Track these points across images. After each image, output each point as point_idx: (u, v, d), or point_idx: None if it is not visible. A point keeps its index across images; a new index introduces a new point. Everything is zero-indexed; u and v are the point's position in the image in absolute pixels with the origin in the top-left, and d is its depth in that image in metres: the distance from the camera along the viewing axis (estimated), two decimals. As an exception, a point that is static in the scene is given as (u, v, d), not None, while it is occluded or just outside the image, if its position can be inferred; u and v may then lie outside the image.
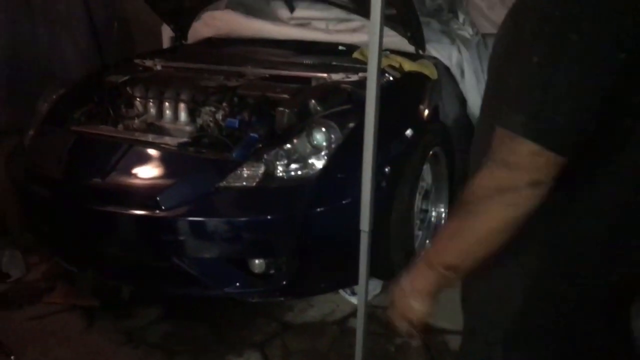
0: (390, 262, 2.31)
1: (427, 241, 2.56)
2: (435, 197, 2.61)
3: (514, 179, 0.82)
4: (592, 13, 0.76)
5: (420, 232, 2.53)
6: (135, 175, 2.15)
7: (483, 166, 0.86)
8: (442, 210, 2.61)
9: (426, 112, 2.54)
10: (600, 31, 0.76)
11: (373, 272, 2.21)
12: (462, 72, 2.73)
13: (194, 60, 2.89)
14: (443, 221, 2.60)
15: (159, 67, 2.92)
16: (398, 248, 2.31)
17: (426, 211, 2.57)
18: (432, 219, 2.60)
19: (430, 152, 2.47)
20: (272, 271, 2.10)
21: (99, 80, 2.82)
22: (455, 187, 2.65)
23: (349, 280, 2.21)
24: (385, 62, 2.52)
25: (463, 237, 0.90)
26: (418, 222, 2.49)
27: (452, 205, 2.65)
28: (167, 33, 3.47)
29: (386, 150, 2.21)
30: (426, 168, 2.48)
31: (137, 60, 2.98)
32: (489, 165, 0.85)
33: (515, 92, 0.82)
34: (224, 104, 2.41)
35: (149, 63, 2.94)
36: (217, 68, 2.75)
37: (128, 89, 2.63)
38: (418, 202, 2.43)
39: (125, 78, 2.80)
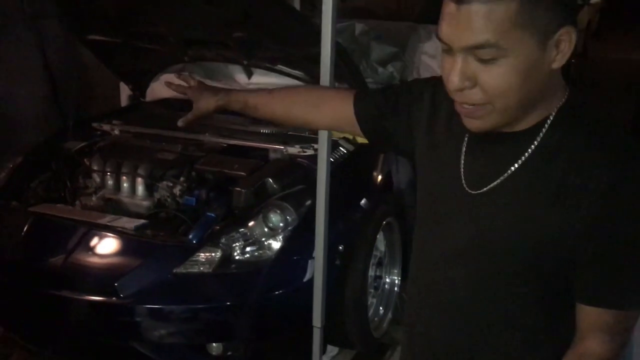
0: (345, 330, 2.39)
1: (381, 308, 2.65)
2: (389, 264, 2.70)
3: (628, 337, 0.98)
4: None
5: (374, 300, 2.62)
6: (92, 260, 2.17)
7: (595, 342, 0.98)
8: (396, 277, 2.70)
9: (380, 182, 2.64)
10: None
11: (329, 340, 2.30)
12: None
13: (152, 125, 2.92)
14: (396, 288, 2.69)
15: (116, 132, 2.94)
16: (352, 317, 2.39)
17: (380, 278, 2.66)
18: (386, 285, 2.69)
19: (384, 222, 2.57)
20: (229, 353, 2.15)
21: (56, 147, 2.84)
22: (408, 253, 2.74)
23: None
24: (338, 134, 2.61)
25: None
26: (372, 290, 2.57)
27: (406, 271, 2.75)
28: (125, 90, 3.49)
29: (340, 226, 2.30)
30: (380, 237, 2.57)
31: (94, 124, 2.99)
32: (608, 342, 0.97)
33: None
34: (182, 179, 2.47)
35: (106, 127, 2.96)
36: (176, 135, 2.79)
37: (85, 160, 2.65)
38: (371, 271, 2.52)
39: (83, 145, 2.83)
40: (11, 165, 2.73)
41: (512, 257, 0.98)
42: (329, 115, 1.33)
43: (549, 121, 0.95)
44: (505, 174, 0.97)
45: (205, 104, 1.42)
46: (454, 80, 0.91)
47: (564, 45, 0.89)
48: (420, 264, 1.15)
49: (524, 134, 0.96)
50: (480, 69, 0.89)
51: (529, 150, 0.96)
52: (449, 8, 0.88)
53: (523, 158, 0.96)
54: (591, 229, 0.90)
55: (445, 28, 0.90)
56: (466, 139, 1.05)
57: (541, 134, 0.95)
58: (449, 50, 0.91)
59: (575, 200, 0.90)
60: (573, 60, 8.24)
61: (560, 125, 0.95)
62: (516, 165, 0.96)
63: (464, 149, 1.05)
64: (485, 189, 1.00)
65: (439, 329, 1.11)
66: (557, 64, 0.91)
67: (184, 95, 1.46)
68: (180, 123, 1.49)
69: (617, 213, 0.89)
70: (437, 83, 1.12)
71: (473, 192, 1.01)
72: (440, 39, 0.91)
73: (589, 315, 0.96)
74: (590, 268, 0.93)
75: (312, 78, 2.70)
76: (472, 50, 0.88)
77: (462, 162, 1.04)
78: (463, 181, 1.03)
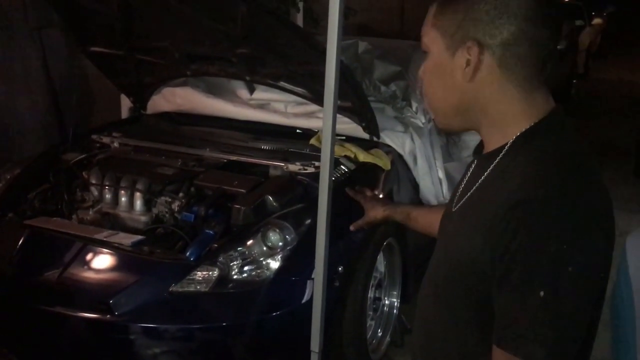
0: (343, 353, 2.35)
1: (379, 330, 2.61)
2: (388, 286, 2.67)
3: None
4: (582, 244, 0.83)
5: (372, 322, 2.58)
6: (87, 276, 2.14)
7: None
8: (395, 299, 2.67)
9: (380, 202, 2.61)
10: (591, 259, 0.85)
11: (326, 363, 2.26)
12: (415, 159, 2.82)
13: (152, 139, 2.90)
14: (395, 310, 2.66)
15: (116, 145, 2.92)
16: (351, 339, 2.35)
17: (379, 299, 2.63)
18: (385, 307, 2.65)
19: (385, 243, 2.54)
20: (224, 374, 2.11)
21: (55, 159, 2.81)
22: (408, 275, 2.71)
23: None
24: (340, 152, 2.59)
25: None
26: (371, 312, 2.54)
27: (405, 293, 2.72)
28: (126, 101, 3.47)
29: (340, 247, 2.26)
30: (380, 258, 2.54)
31: (94, 136, 2.97)
32: None
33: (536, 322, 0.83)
34: (181, 194, 2.44)
35: (106, 140, 2.94)
36: (175, 149, 2.77)
37: (84, 173, 2.63)
38: (371, 293, 2.48)
39: (81, 157, 2.81)
40: (9, 177, 2.70)
41: (450, 280, 0.97)
42: None
43: (507, 146, 0.94)
44: (466, 196, 1.00)
45: (374, 212, 1.64)
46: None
47: (471, 59, 0.92)
48: (420, 289, 1.15)
49: (490, 156, 0.97)
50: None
51: (487, 171, 0.96)
52: None
53: (482, 178, 0.97)
54: (497, 252, 0.85)
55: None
56: (473, 164, 1.07)
57: (498, 158, 0.95)
58: None
59: (490, 221, 0.87)
60: (574, 81, 8.29)
61: (512, 151, 0.94)
62: (474, 188, 0.98)
63: (468, 173, 1.07)
64: (456, 207, 1.02)
65: (421, 354, 1.12)
66: (466, 78, 0.93)
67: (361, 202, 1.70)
68: (352, 227, 1.76)
69: (517, 236, 0.83)
70: None
71: (453, 209, 1.04)
72: None
73: (494, 356, 0.87)
74: (497, 299, 0.87)
75: (315, 95, 2.69)
76: None
77: (462, 184, 1.06)
78: (454, 201, 1.05)
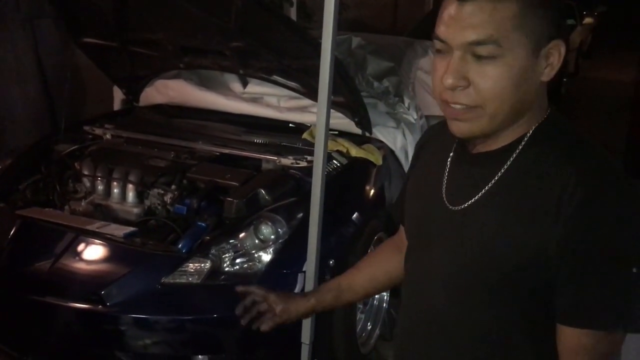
0: (333, 346, 2.37)
1: (369, 324, 2.64)
2: (378, 280, 2.68)
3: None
4: None
5: (362, 316, 2.60)
6: (79, 267, 2.14)
7: None
8: (385, 293, 2.69)
9: (372, 197, 2.64)
10: None
11: (316, 355, 2.28)
12: (407, 155, 2.84)
13: (144, 130, 2.90)
14: (385, 304, 2.68)
15: (108, 136, 2.92)
16: (341, 333, 2.37)
17: (369, 293, 2.65)
18: (375, 301, 2.68)
19: (375, 237, 2.56)
20: (215, 366, 2.13)
21: (46, 150, 2.81)
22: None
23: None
24: (332, 147, 2.61)
25: None
26: (360, 306, 2.56)
27: (394, 287, 2.74)
28: (119, 93, 3.46)
29: (331, 241, 2.28)
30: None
31: (86, 127, 2.97)
32: None
33: (617, 298, 0.90)
34: (173, 187, 2.45)
35: (98, 131, 2.94)
36: (168, 142, 2.77)
37: (76, 164, 2.62)
38: (361, 287, 2.50)
39: (74, 148, 2.81)
40: (0, 167, 2.70)
41: (487, 277, 0.97)
42: None
43: (526, 138, 0.95)
44: (482, 191, 0.98)
45: (296, 307, 1.30)
46: (448, 78, 0.92)
47: (553, 58, 0.92)
48: (409, 291, 1.14)
49: (501, 152, 0.97)
50: (476, 68, 0.91)
51: (505, 166, 0.96)
52: (452, 6, 0.91)
53: (499, 174, 0.96)
54: (566, 246, 0.89)
55: (445, 26, 0.92)
56: (449, 162, 1.06)
57: (517, 151, 0.95)
58: (445, 50, 0.93)
59: (549, 218, 0.89)
60: (565, 79, 8.36)
61: (536, 143, 0.95)
62: (492, 182, 0.97)
63: (446, 172, 1.06)
64: (464, 205, 1.00)
65: (427, 355, 1.09)
66: (545, 77, 0.93)
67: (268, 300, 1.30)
68: (263, 327, 1.29)
69: (590, 230, 0.88)
70: (429, 129, 1.23)
71: (453, 208, 1.01)
72: (437, 38, 0.93)
73: (567, 338, 0.93)
74: (566, 287, 0.91)
75: (307, 89, 2.71)
76: (473, 46, 0.90)
77: (444, 183, 1.05)
78: (445, 199, 1.03)
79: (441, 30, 0.92)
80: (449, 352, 1.05)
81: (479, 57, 0.90)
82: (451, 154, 1.06)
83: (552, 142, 0.95)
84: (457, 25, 0.90)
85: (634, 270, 0.88)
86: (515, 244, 0.93)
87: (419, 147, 1.21)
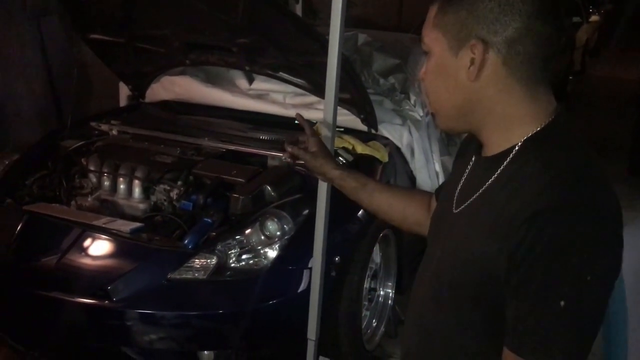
0: (338, 342, 2.37)
1: (374, 321, 2.64)
2: (383, 277, 2.69)
3: None
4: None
5: (367, 312, 2.61)
6: (85, 262, 2.15)
7: None
8: (390, 290, 2.69)
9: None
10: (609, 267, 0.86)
11: (321, 351, 2.29)
12: (413, 152, 2.84)
13: (150, 127, 2.90)
14: (390, 301, 2.68)
15: (114, 132, 2.92)
16: (346, 329, 2.37)
17: (374, 290, 2.65)
18: (380, 298, 2.68)
19: (381, 234, 2.56)
20: (221, 361, 2.13)
21: (53, 145, 2.82)
22: (403, 266, 2.73)
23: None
24: (338, 144, 2.60)
25: None
26: (366, 302, 2.56)
27: (400, 284, 2.74)
28: (124, 89, 3.47)
29: (337, 237, 2.28)
30: (376, 249, 2.56)
31: (92, 123, 2.97)
32: None
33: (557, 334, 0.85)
34: (179, 183, 2.45)
35: (104, 127, 2.94)
36: (174, 138, 2.78)
37: (83, 160, 2.63)
38: (366, 283, 2.50)
39: (80, 144, 2.81)
40: (7, 162, 2.71)
41: (458, 283, 0.96)
42: None
43: (517, 147, 0.93)
44: (471, 198, 0.97)
45: (322, 163, 1.42)
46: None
47: (476, 58, 0.91)
48: (414, 286, 1.15)
49: (496, 159, 0.95)
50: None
51: (492, 177, 0.94)
52: None
53: (489, 181, 0.95)
54: (510, 264, 0.85)
55: None
56: (469, 165, 1.05)
57: (507, 160, 0.93)
58: None
59: (506, 230, 0.86)
60: (571, 78, 8.32)
61: (522, 155, 0.92)
62: (482, 189, 0.96)
63: (465, 174, 1.05)
64: (459, 209, 1.00)
65: (416, 353, 1.11)
66: (471, 77, 0.92)
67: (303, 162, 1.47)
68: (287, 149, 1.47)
69: (531, 251, 0.83)
70: None
71: (454, 211, 1.01)
72: None
73: (505, 357, 0.89)
74: (508, 307, 0.87)
75: (313, 86, 2.70)
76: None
77: (460, 186, 1.04)
78: (454, 201, 1.03)
79: None
80: (428, 355, 1.06)
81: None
82: (474, 157, 1.05)
83: (537, 154, 0.91)
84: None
85: (562, 304, 0.82)
86: (477, 254, 0.91)
87: (464, 146, 1.17)
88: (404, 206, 1.33)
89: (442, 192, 1.16)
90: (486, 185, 0.95)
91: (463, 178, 1.05)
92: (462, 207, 0.99)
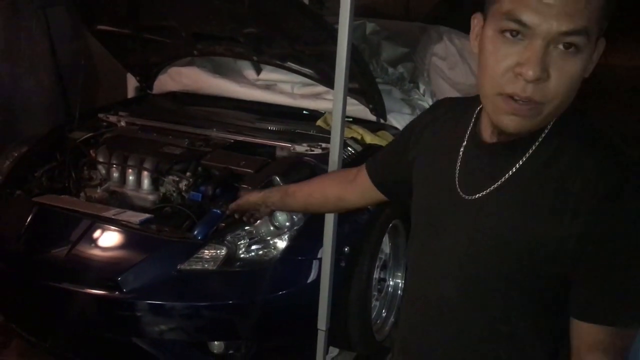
0: (348, 333, 2.37)
1: (383, 311, 2.63)
2: (393, 267, 2.68)
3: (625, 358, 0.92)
4: None
5: (377, 303, 2.60)
6: (95, 253, 2.15)
7: None
8: (399, 280, 2.68)
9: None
10: None
11: (331, 342, 2.29)
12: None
13: (159, 118, 2.90)
14: (400, 291, 2.67)
15: (123, 124, 2.92)
16: (356, 319, 2.37)
17: (384, 280, 2.65)
18: (390, 288, 2.67)
19: (390, 225, 2.55)
20: (230, 352, 2.13)
21: (62, 137, 2.82)
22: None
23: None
24: (347, 134, 2.59)
25: None
26: (375, 293, 2.55)
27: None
28: (132, 81, 3.47)
29: (346, 228, 2.27)
30: (385, 239, 2.55)
31: (101, 115, 2.97)
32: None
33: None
34: (188, 174, 2.45)
35: (112, 119, 2.94)
36: (182, 129, 2.77)
37: (91, 152, 2.63)
38: (376, 274, 2.50)
39: (88, 135, 2.82)
40: (16, 154, 2.71)
41: (501, 269, 0.95)
42: (359, 189, 1.34)
43: (546, 131, 0.93)
44: (499, 182, 0.95)
45: (248, 195, 1.60)
46: (531, 69, 0.83)
47: (596, 55, 0.89)
48: (415, 279, 1.13)
49: (520, 142, 0.94)
50: (557, 61, 0.84)
51: (524, 158, 0.94)
52: None
53: (517, 166, 0.94)
54: (586, 241, 0.87)
55: (533, 11, 0.82)
56: (461, 151, 1.04)
57: (537, 142, 0.93)
58: (523, 35, 0.84)
59: (569, 212, 0.87)
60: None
61: (556, 135, 0.92)
62: (510, 174, 0.94)
63: (458, 160, 1.03)
64: (479, 195, 0.98)
65: (432, 344, 1.08)
66: (587, 73, 0.89)
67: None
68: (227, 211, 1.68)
69: (611, 226, 0.86)
70: (435, 106, 1.20)
71: (467, 198, 0.99)
72: (516, 20, 0.84)
73: (583, 333, 0.91)
74: (584, 282, 0.90)
75: (322, 76, 2.69)
76: (562, 37, 0.82)
77: (457, 171, 1.03)
78: (458, 188, 1.01)
79: (525, 13, 0.83)
80: (453, 342, 1.04)
81: (563, 50, 0.83)
82: (464, 143, 1.03)
83: (571, 135, 0.92)
84: (549, 11, 0.81)
85: None
86: (533, 237, 0.91)
87: (423, 127, 1.15)
88: (322, 188, 1.43)
89: (417, 184, 1.13)
90: (518, 168, 0.94)
91: (458, 163, 1.03)
92: (485, 192, 0.97)
